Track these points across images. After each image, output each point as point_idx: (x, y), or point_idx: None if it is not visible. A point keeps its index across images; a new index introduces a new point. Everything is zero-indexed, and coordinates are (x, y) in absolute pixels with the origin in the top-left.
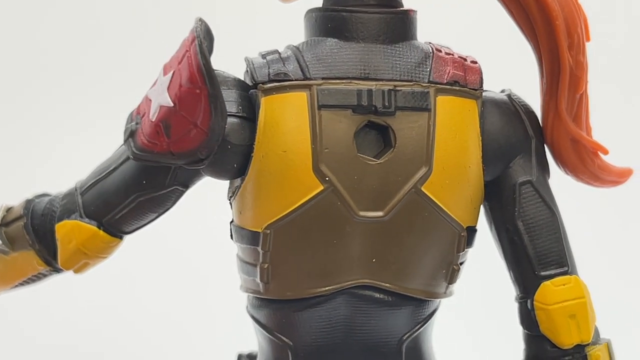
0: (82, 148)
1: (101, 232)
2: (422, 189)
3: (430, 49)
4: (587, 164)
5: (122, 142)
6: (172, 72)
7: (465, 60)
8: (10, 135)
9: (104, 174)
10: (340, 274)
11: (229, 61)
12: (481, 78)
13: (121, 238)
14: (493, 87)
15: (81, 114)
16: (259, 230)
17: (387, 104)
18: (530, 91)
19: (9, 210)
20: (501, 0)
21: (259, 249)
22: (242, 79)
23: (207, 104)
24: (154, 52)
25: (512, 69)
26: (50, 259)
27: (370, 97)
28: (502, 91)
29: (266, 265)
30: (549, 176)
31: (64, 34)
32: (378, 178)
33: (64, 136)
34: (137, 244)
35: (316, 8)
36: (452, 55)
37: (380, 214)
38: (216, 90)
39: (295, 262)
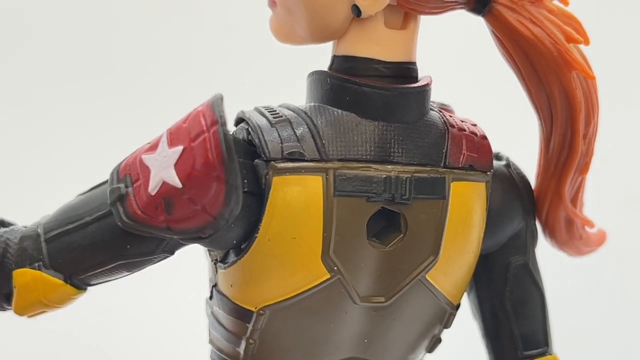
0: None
1: (67, 286)
2: (426, 276)
3: (444, 124)
4: (575, 240)
5: (96, 181)
6: (181, 148)
7: (475, 135)
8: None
9: (75, 224)
10: (331, 353)
11: None
12: (491, 158)
13: (86, 290)
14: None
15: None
16: (253, 310)
17: (404, 194)
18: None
19: None
20: (521, 78)
21: (249, 325)
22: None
23: (223, 193)
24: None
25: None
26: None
27: (389, 186)
28: (499, 158)
29: (253, 341)
30: (537, 244)
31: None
32: (385, 265)
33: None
34: None
35: (329, 74)
36: (464, 130)
37: (381, 299)
38: (237, 181)
39: (287, 341)
